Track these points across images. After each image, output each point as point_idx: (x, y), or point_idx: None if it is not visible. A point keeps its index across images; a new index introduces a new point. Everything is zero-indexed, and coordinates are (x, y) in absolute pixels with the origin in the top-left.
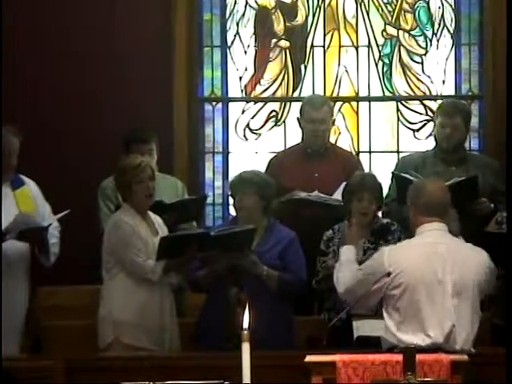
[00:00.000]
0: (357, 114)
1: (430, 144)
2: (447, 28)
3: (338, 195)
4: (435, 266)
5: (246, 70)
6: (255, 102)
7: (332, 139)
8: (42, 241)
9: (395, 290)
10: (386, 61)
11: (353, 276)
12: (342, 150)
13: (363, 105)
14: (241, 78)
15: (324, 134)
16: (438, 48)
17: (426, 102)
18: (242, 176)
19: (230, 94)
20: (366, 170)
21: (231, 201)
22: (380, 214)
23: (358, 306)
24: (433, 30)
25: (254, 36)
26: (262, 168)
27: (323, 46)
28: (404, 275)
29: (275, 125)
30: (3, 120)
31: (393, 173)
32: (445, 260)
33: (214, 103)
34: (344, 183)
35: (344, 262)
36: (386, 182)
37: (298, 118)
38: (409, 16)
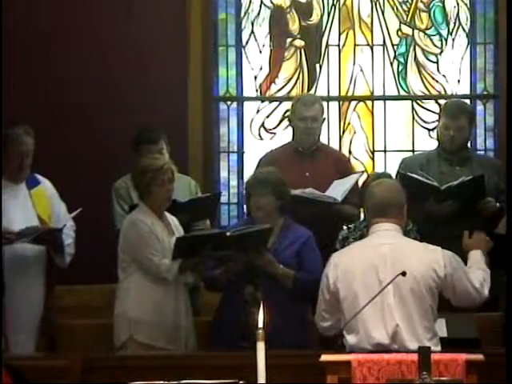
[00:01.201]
0: (372, 113)
1: None
2: (462, 27)
3: (329, 194)
4: (376, 267)
5: (260, 69)
6: (270, 102)
7: (347, 138)
8: (57, 242)
9: (339, 293)
10: (401, 60)
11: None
12: (332, 149)
13: (378, 104)
14: (256, 77)
15: (315, 131)
16: (453, 47)
17: (441, 102)
18: (257, 176)
19: (245, 94)
20: (381, 169)
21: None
22: None
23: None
24: (448, 30)
25: (269, 35)
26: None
27: (338, 45)
28: (344, 278)
29: (290, 124)
30: (18, 120)
31: (400, 172)
32: (385, 260)
33: (228, 102)
34: (335, 182)
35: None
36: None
37: (289, 117)
38: (424, 15)
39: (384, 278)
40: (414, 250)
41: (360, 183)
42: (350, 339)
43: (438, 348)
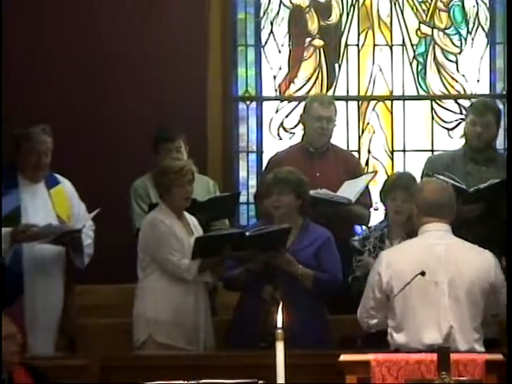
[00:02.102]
0: (391, 113)
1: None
2: (482, 27)
3: (341, 195)
4: (431, 267)
5: (280, 68)
6: (289, 101)
7: (366, 138)
8: (76, 243)
9: (392, 291)
10: (421, 60)
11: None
12: (341, 149)
13: (397, 104)
14: (275, 76)
15: (329, 132)
16: (472, 47)
17: (460, 101)
18: (277, 175)
19: (264, 93)
20: (400, 169)
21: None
22: None
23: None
24: (467, 29)
25: (288, 35)
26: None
27: (357, 45)
28: (398, 277)
29: (301, 123)
30: (36, 120)
31: (427, 174)
32: (441, 260)
33: (248, 102)
34: (346, 182)
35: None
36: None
37: (301, 116)
38: (443, 15)
39: (439, 279)
40: (467, 251)
41: (379, 182)
42: (399, 338)
43: (483, 349)
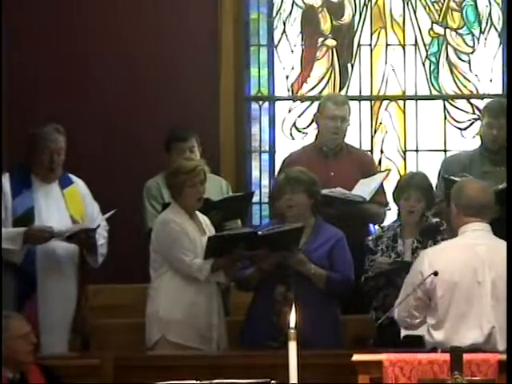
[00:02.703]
0: (404, 112)
1: (477, 143)
2: (494, 26)
3: (356, 193)
4: (474, 267)
5: (292, 68)
6: (302, 101)
7: (379, 138)
8: (90, 242)
9: (434, 291)
10: (433, 59)
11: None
12: (356, 149)
13: (410, 104)
14: (287, 76)
15: (343, 132)
16: (485, 46)
17: (473, 101)
18: (288, 175)
19: (277, 93)
20: (413, 169)
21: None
22: (429, 213)
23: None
24: (480, 29)
25: (300, 35)
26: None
27: (370, 45)
28: (443, 277)
29: (315, 122)
30: (49, 119)
31: (443, 176)
32: (483, 261)
33: (260, 102)
34: (360, 181)
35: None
36: (433, 181)
37: (315, 115)
38: (456, 14)
39: (483, 280)
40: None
41: (392, 182)
42: (438, 336)
43: None
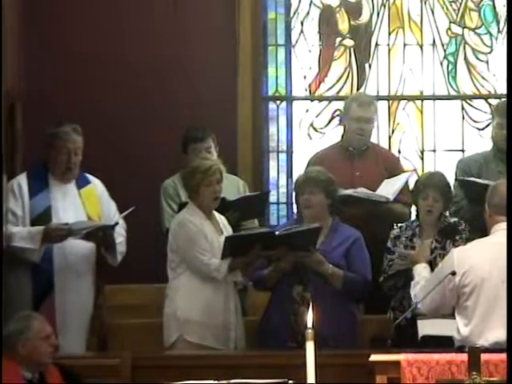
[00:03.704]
0: (421, 112)
1: None
2: None
3: (380, 193)
4: (501, 266)
5: (310, 68)
6: (319, 101)
7: (396, 138)
8: (108, 240)
9: (464, 288)
10: (451, 59)
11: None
12: (382, 148)
13: (428, 104)
14: (305, 76)
15: (368, 133)
16: (503, 46)
17: (490, 101)
18: (307, 174)
19: (294, 93)
20: (431, 169)
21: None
22: (447, 213)
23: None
24: (498, 29)
25: (318, 35)
26: None
27: (388, 45)
28: (471, 274)
29: (339, 124)
30: (66, 120)
31: (459, 179)
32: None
33: (278, 102)
34: (385, 181)
35: (425, 282)
36: (451, 181)
37: (340, 116)
38: (474, 14)
39: (506, 278)
40: None
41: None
42: (465, 333)
43: None
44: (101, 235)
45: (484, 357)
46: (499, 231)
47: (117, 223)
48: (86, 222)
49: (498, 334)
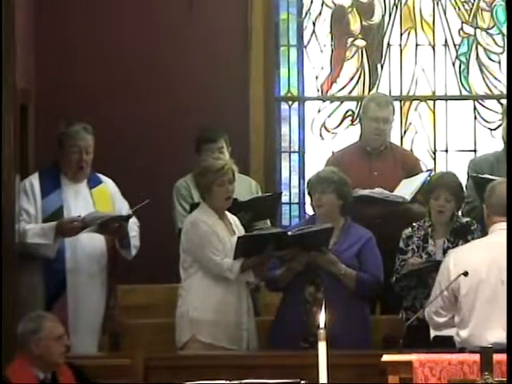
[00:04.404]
0: (433, 113)
1: None
2: None
3: (398, 194)
4: (500, 266)
5: (322, 69)
6: (331, 101)
7: (408, 138)
8: (122, 231)
9: (460, 290)
10: (463, 60)
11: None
12: (400, 148)
13: (440, 104)
14: (317, 77)
15: (386, 133)
16: None
17: (503, 101)
18: (319, 175)
19: (307, 93)
20: (443, 169)
21: (308, 199)
22: (460, 213)
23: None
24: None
25: (330, 35)
26: None
27: (400, 45)
28: (470, 276)
29: (351, 124)
30: (78, 119)
31: (472, 176)
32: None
33: (290, 102)
34: (403, 181)
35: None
36: (463, 181)
37: (359, 116)
38: (486, 15)
39: (506, 278)
40: None
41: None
42: (464, 334)
43: None
44: (114, 226)
45: (496, 357)
46: (497, 231)
47: (131, 215)
48: (100, 212)
49: (498, 335)
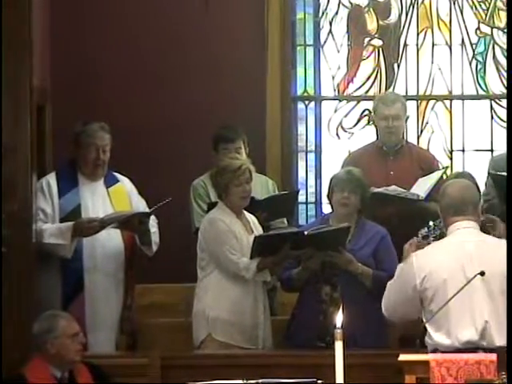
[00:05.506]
0: (450, 112)
1: None
2: None
3: (414, 192)
4: (462, 264)
5: (338, 68)
6: (348, 101)
7: (425, 138)
8: (143, 228)
9: (426, 292)
10: (480, 59)
11: (388, 295)
12: (417, 147)
13: (456, 103)
14: (333, 76)
15: (398, 130)
16: None
17: None
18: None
19: (323, 93)
20: (460, 169)
21: (325, 198)
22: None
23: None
24: None
25: (346, 35)
26: None
27: (416, 45)
28: (432, 277)
29: (368, 123)
30: (97, 117)
31: (491, 173)
32: (471, 257)
33: (306, 102)
34: (420, 180)
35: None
36: (480, 180)
37: (372, 117)
38: (503, 14)
39: (471, 276)
40: (497, 246)
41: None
42: (436, 337)
43: None
44: (136, 223)
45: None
46: (456, 231)
47: (152, 212)
48: (119, 212)
49: (468, 333)
